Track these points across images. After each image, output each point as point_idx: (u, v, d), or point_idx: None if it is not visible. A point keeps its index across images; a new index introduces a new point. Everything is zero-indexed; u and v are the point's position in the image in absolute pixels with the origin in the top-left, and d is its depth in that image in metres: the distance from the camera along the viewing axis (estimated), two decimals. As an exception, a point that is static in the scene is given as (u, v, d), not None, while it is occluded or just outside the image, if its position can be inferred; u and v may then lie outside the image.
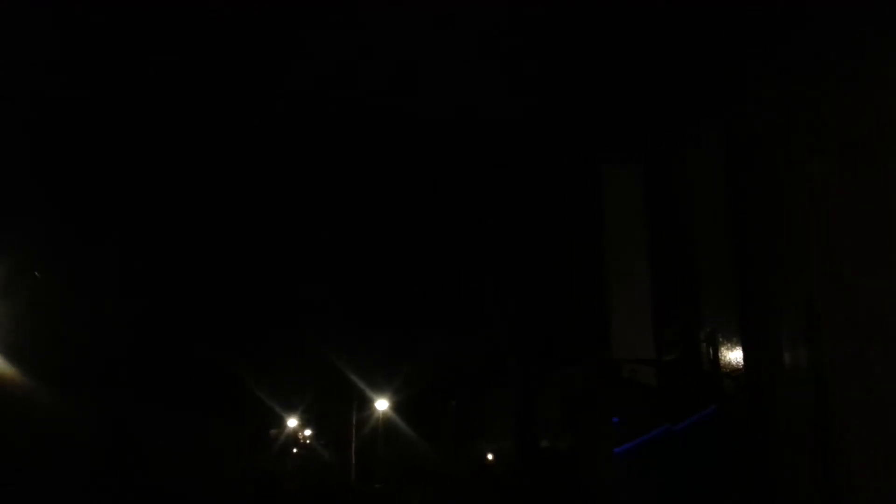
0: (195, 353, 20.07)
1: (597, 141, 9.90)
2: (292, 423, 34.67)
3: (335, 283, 21.43)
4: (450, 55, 9.11)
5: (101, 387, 15.85)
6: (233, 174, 14.01)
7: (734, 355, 7.45)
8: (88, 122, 11.93)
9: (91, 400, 15.54)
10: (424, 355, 24.48)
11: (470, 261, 17.88)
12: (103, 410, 16.24)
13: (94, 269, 14.68)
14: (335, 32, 9.09)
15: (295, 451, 35.97)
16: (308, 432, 37.10)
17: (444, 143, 11.70)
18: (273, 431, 33.07)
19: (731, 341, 7.51)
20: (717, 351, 7.60)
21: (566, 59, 8.77)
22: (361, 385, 28.19)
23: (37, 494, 13.34)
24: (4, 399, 13.31)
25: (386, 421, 30.25)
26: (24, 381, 13.72)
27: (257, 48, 9.85)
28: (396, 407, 29.86)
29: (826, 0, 6.50)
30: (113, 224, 14.77)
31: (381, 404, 29.85)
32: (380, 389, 29.10)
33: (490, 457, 25.17)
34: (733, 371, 7.42)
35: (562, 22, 8.18)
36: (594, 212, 9.76)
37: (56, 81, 10.52)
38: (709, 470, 7.86)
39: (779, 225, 7.26)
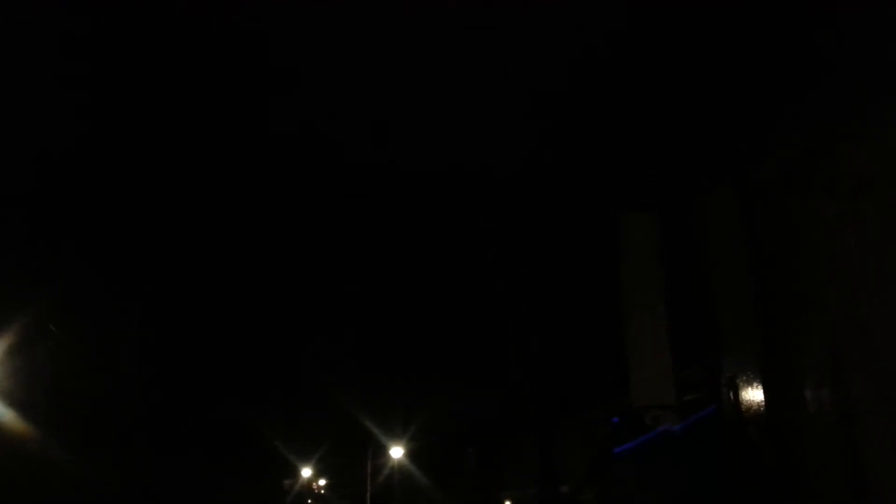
0: (211, 406, 20.07)
1: (613, 189, 10.01)
2: (306, 472, 34.33)
3: (351, 334, 21.47)
4: (469, 106, 9.30)
5: (121, 444, 15.85)
6: (251, 229, 14.18)
7: (756, 399, 7.44)
8: (106, 175, 12.13)
9: (111, 457, 15.53)
10: (441, 402, 24.36)
11: (488, 309, 17.92)
12: (123, 467, 16.22)
13: (114, 328, 14.80)
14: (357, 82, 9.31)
15: (309, 501, 35.59)
16: (322, 482, 36.71)
17: (460, 191, 11.86)
18: (287, 482, 32.78)
19: (753, 385, 7.50)
20: (738, 395, 7.59)
21: (583, 111, 8.93)
22: (376, 432, 28.00)
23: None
24: (23, 457, 13.31)
25: (401, 469, 29.94)
26: (40, 439, 13.72)
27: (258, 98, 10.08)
28: (412, 454, 29.58)
29: (843, 53, 6.66)
30: (133, 281, 14.91)
31: (397, 452, 29.58)
32: (395, 436, 28.88)
33: (508, 504, 24.86)
34: (756, 415, 7.40)
35: (579, 72, 8.37)
36: (612, 259, 9.84)
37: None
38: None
39: (796, 268, 7.30)
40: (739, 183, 8.03)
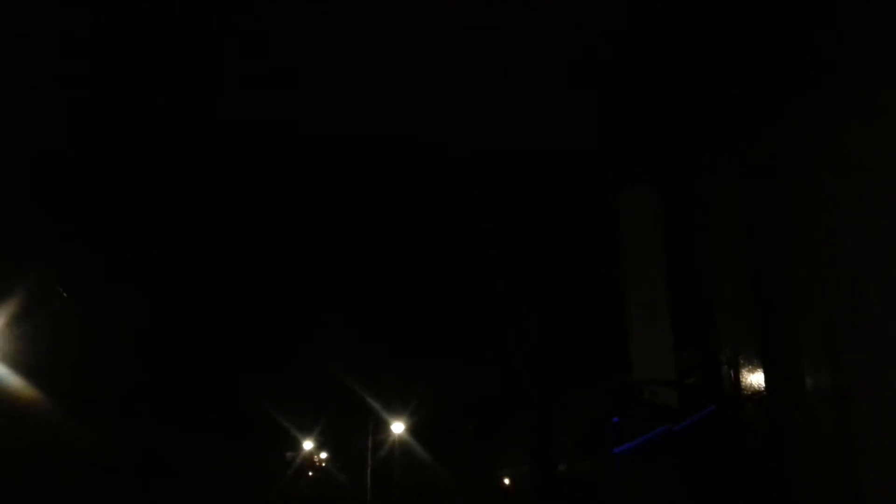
0: (215, 379, 20.23)
1: (614, 168, 10.03)
2: (308, 445, 34.62)
3: (353, 310, 21.58)
4: (475, 87, 9.31)
5: (123, 413, 16.00)
6: (258, 205, 14.24)
7: (755, 377, 7.51)
8: (115, 160, 12.20)
9: (112, 425, 15.67)
10: (440, 380, 24.50)
11: (488, 286, 17.97)
12: (125, 435, 16.38)
13: (119, 298, 14.89)
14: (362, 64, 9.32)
15: (311, 473, 35.89)
16: (324, 455, 37.00)
17: (463, 172, 11.88)
18: (289, 454, 33.06)
19: (752, 363, 7.57)
20: (738, 373, 7.66)
21: (586, 90, 8.94)
22: (377, 407, 28.18)
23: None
24: (26, 422, 13.44)
25: (401, 444, 30.16)
26: (47, 404, 13.84)
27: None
28: (412, 430, 29.78)
29: (843, 40, 6.68)
30: (139, 249, 14.99)
31: (397, 427, 29.77)
32: (396, 412, 29.05)
33: (507, 481, 25.07)
34: (754, 393, 7.48)
35: (583, 54, 8.37)
36: (612, 236, 9.87)
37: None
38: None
39: (795, 247, 7.35)
40: (740, 161, 8.06)
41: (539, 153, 10.74)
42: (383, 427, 30.45)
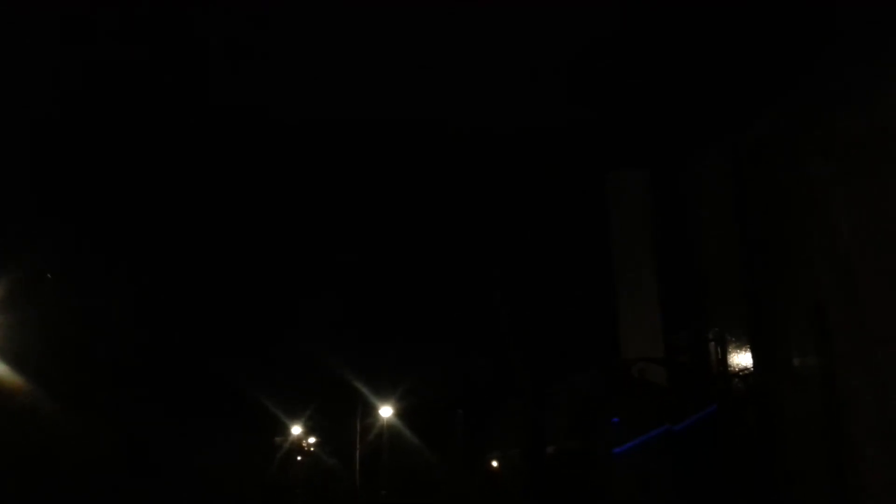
0: (202, 363, 20.18)
1: (604, 151, 10.03)
2: (296, 430, 34.60)
3: (340, 293, 21.54)
4: (465, 68, 9.28)
5: (112, 400, 15.96)
6: (249, 190, 14.18)
7: (743, 356, 7.56)
8: (109, 145, 12.12)
9: (101, 412, 15.63)
10: (430, 365, 24.50)
11: (478, 269, 17.97)
12: (113, 422, 16.34)
13: (106, 281, 14.80)
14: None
15: (299, 458, 35.91)
16: (312, 440, 37.03)
17: (451, 154, 11.85)
18: (278, 439, 33.04)
19: (740, 342, 7.61)
20: (725, 351, 7.70)
21: (577, 71, 8.92)
22: (366, 391, 28.16)
23: (50, 499, 13.44)
24: (14, 410, 13.39)
25: (390, 428, 30.17)
26: (34, 391, 13.79)
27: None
28: (401, 414, 29.80)
29: (834, 27, 6.70)
30: (126, 237, 14.90)
31: (386, 411, 29.76)
32: (384, 396, 29.03)
33: (495, 464, 25.16)
34: (742, 371, 7.52)
35: (578, 35, 8.35)
36: (601, 217, 9.88)
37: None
38: (709, 469, 7.93)
39: (784, 227, 7.38)
40: (730, 145, 8.07)
41: (530, 135, 10.73)
42: (372, 411, 30.42)
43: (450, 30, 8.89)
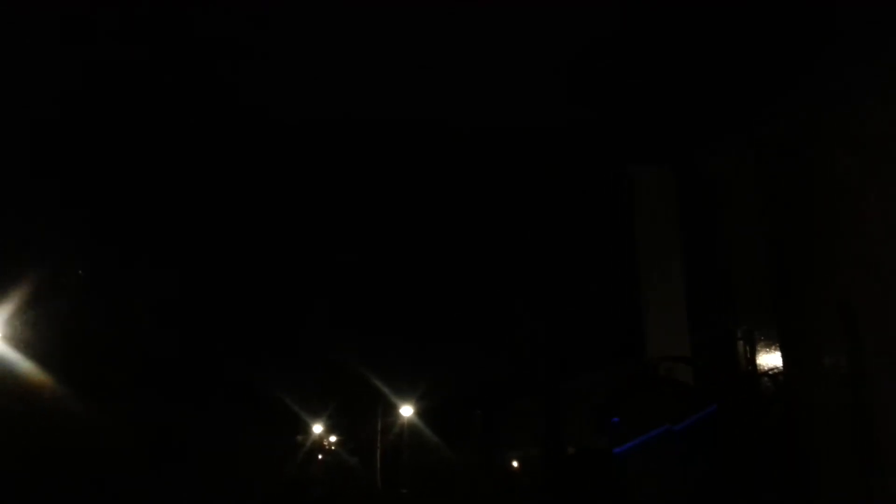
0: (226, 363, 20.32)
1: (625, 146, 9.94)
2: (318, 429, 34.82)
3: (361, 294, 21.58)
4: (482, 62, 9.23)
5: (138, 397, 16.09)
6: (264, 191, 14.20)
7: (772, 355, 7.47)
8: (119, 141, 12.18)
9: (127, 410, 15.75)
10: (449, 365, 24.53)
11: (498, 267, 17.91)
12: (140, 420, 16.47)
13: (130, 281, 14.94)
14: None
15: (320, 457, 36.13)
16: (333, 438, 37.22)
17: (469, 151, 11.78)
18: (299, 437, 33.28)
19: (769, 341, 7.53)
20: (754, 350, 7.62)
21: (597, 65, 8.86)
22: (386, 391, 28.29)
23: (73, 495, 13.56)
24: (39, 408, 13.52)
25: (411, 427, 30.30)
26: (57, 389, 13.91)
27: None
28: (422, 413, 29.92)
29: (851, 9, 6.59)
30: (148, 237, 14.99)
31: (406, 410, 29.91)
32: (405, 395, 29.17)
33: (515, 464, 25.16)
34: (771, 370, 7.44)
35: (595, 30, 8.29)
36: (625, 216, 9.80)
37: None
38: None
39: (814, 222, 7.28)
40: (754, 137, 7.97)
41: (547, 131, 10.66)
42: (392, 410, 30.57)
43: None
